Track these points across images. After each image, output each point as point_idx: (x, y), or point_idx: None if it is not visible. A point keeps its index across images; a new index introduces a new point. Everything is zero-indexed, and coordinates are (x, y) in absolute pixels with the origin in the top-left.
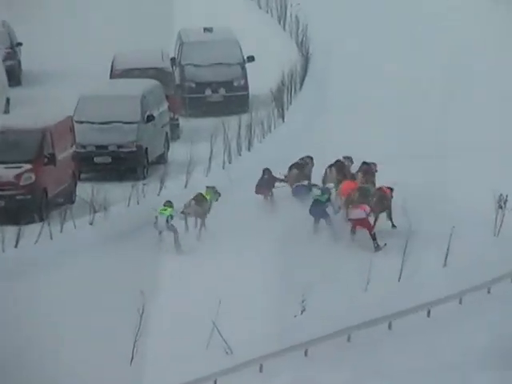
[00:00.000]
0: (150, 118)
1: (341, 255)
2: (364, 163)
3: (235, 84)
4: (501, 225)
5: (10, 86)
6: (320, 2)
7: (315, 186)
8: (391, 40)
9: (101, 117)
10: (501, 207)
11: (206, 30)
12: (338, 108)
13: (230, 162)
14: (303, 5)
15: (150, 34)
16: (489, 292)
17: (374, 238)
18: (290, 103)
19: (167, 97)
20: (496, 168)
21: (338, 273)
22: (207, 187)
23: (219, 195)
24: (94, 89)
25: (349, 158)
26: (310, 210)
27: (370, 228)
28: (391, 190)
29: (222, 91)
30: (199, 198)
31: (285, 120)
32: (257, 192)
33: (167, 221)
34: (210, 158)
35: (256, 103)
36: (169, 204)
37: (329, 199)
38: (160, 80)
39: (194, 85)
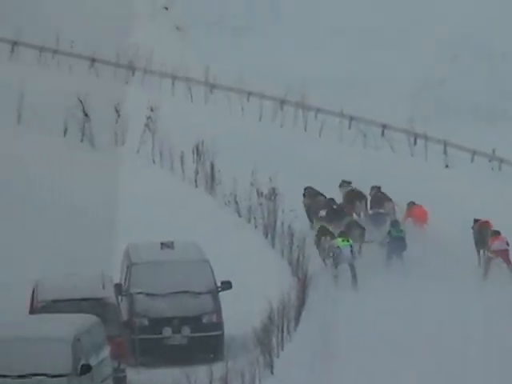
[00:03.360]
0: (86, 369)
1: None
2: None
3: (205, 321)
4: None
5: None
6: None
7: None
8: None
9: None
10: None
11: (163, 245)
12: (347, 355)
13: None
14: (298, 211)
15: (87, 239)
16: None
17: None
18: (282, 348)
19: (110, 338)
20: None
21: None
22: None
23: None
24: (6, 328)
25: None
26: (396, 249)
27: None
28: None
29: (187, 331)
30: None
31: (274, 372)
32: None
33: (351, 252)
34: None
35: (234, 347)
36: (345, 235)
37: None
38: (100, 315)
39: (147, 322)
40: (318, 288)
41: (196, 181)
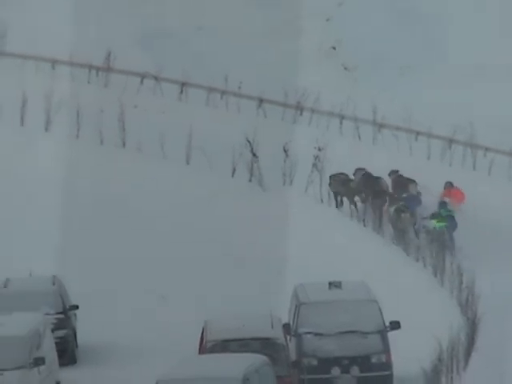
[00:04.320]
0: None
1: None
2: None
3: (374, 360)
4: None
5: (61, 365)
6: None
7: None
8: None
9: None
10: None
11: (332, 285)
12: None
13: None
14: (467, 250)
15: (255, 279)
16: None
17: None
18: None
19: (279, 379)
20: None
21: None
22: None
23: None
24: (176, 369)
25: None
26: (450, 228)
27: None
28: None
29: (356, 371)
30: None
31: None
32: None
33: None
34: None
35: None
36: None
37: None
38: (269, 355)
39: (315, 362)
40: (488, 329)
41: (364, 220)
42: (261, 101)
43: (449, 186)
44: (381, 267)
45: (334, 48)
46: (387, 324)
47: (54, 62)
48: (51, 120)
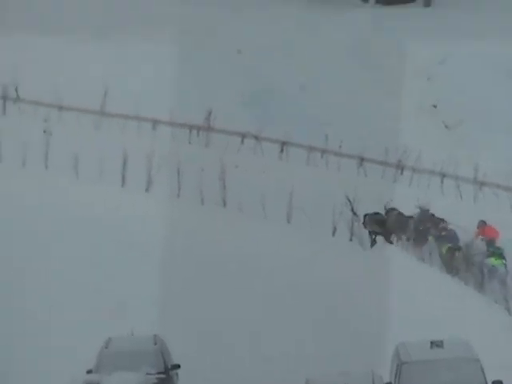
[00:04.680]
0: None
1: None
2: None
3: None
4: None
5: None
6: None
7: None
8: None
9: None
10: None
11: (433, 344)
12: None
13: None
14: None
15: (357, 337)
16: None
17: None
18: None
19: None
20: None
21: None
22: None
23: None
24: None
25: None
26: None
27: None
28: None
29: None
30: None
31: None
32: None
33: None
34: None
35: None
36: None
37: None
38: None
39: None
40: None
41: (465, 278)
42: (361, 159)
43: (482, 224)
44: (483, 326)
45: (435, 106)
46: (490, 383)
47: (155, 122)
48: (152, 180)
